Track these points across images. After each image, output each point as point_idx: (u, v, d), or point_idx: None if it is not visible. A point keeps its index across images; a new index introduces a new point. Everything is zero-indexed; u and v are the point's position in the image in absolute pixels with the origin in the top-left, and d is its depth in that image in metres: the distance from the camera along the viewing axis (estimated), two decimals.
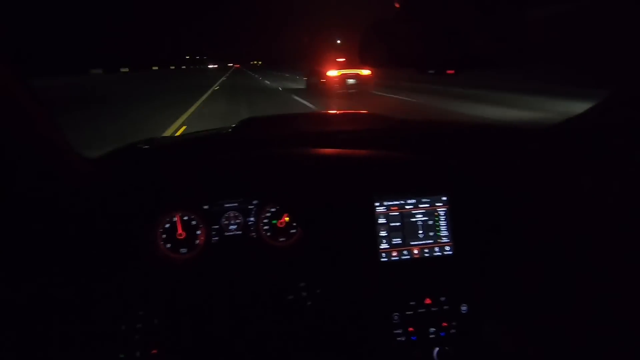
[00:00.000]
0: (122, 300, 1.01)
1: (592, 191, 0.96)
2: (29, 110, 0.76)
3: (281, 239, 1.15)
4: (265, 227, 1.15)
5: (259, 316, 1.06)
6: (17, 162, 0.78)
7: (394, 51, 0.92)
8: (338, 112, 1.77)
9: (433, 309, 1.11)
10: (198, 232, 1.10)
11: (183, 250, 1.09)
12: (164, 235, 1.09)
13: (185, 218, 1.10)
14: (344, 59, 13.68)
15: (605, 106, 0.98)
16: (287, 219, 1.15)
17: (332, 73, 12.78)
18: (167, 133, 7.65)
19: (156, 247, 1.07)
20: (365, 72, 12.89)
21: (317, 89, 13.21)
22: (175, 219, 1.09)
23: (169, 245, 1.09)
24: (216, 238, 1.11)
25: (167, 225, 1.09)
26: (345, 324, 1.07)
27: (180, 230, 1.09)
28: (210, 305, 1.05)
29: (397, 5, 0.85)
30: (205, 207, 1.10)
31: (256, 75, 38.35)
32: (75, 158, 0.92)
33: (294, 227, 1.15)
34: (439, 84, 15.01)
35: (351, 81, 12.77)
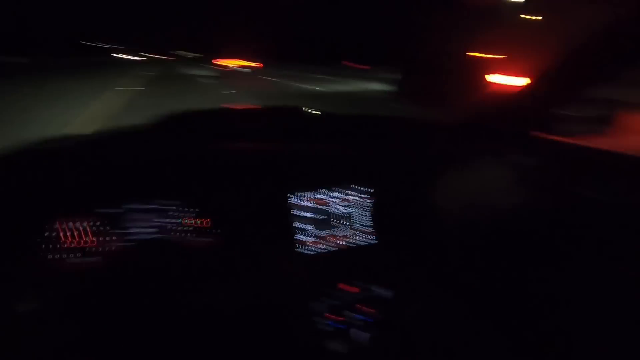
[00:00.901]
0: (6, 319, 0.88)
1: (499, 182, 1.08)
2: None
3: (199, 240, 1.06)
4: (182, 229, 1.05)
5: (176, 321, 0.98)
6: None
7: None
8: (261, 106, 1.67)
9: (358, 295, 1.13)
10: (106, 237, 0.97)
11: (86, 259, 0.96)
12: (59, 245, 0.94)
13: (85, 224, 0.96)
14: (239, 56, 23.32)
15: (506, 100, 1.13)
16: (205, 218, 1.07)
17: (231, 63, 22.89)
18: None
19: (49, 258, 0.93)
20: (256, 65, 22.22)
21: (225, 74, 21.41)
22: (72, 224, 0.95)
23: (67, 255, 0.95)
24: (123, 243, 0.99)
25: (60, 233, 0.95)
26: (266, 319, 1.02)
27: (78, 238, 0.96)
28: (119, 314, 0.95)
29: None
30: (109, 210, 0.98)
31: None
32: None
33: (211, 227, 1.07)
34: (308, 72, 22.76)
35: (246, 70, 22.23)
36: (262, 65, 23.59)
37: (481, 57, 8.27)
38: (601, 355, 0.95)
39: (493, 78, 7.31)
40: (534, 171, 1.16)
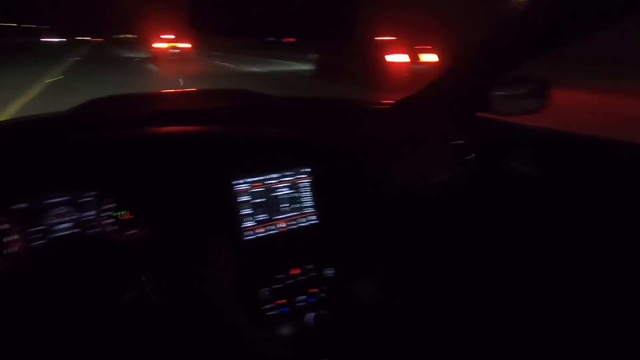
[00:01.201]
0: None
1: (437, 160, 1.16)
2: None
3: (129, 232, 0.98)
4: (107, 221, 0.96)
5: (99, 321, 0.91)
6: None
7: (228, 19, 0.87)
8: (199, 89, 1.58)
9: (301, 277, 1.14)
10: (14, 236, 0.87)
11: None
12: None
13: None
14: (173, 36, 22.16)
15: (440, 82, 1.16)
16: (132, 209, 0.99)
17: (158, 45, 21.95)
18: None
19: None
20: (186, 45, 21.83)
21: (155, 57, 20.87)
22: None
23: None
24: (42, 241, 0.90)
25: None
26: (211, 310, 0.93)
27: None
28: (38, 321, 0.87)
29: None
30: (21, 205, 0.88)
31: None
32: None
33: (141, 218, 0.99)
34: (244, 54, 23.07)
35: (176, 51, 21.57)
36: (191, 46, 23.19)
37: (382, 40, 10.30)
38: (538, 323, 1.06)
39: (389, 57, 9.42)
40: (469, 148, 1.23)
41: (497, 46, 1.08)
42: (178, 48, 21.81)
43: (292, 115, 1.30)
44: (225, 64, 18.59)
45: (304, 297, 1.14)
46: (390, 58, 9.46)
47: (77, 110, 1.13)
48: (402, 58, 9.54)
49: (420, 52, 9.71)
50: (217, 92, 1.52)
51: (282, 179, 1.16)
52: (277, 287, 1.12)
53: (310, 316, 1.12)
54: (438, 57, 9.75)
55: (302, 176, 1.19)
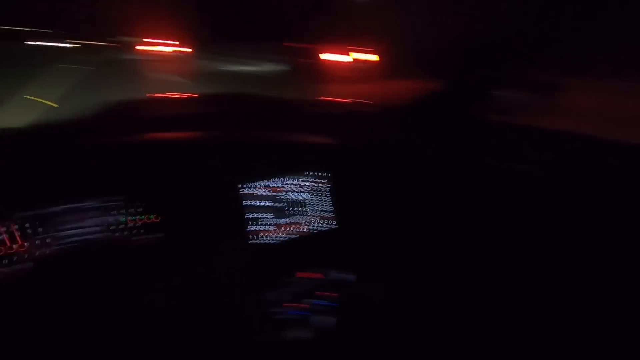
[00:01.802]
0: None
1: (447, 163, 1.13)
2: None
3: (146, 236, 1.02)
4: (123, 225, 1.01)
5: (121, 323, 0.94)
6: None
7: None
8: (214, 93, 1.67)
9: (319, 279, 1.16)
10: (38, 241, 0.92)
11: (14, 266, 0.91)
12: None
13: (10, 228, 0.90)
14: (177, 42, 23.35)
15: (442, 82, 1.16)
16: (148, 214, 1.03)
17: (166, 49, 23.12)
18: None
19: None
20: (186, 49, 22.68)
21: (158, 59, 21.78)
22: (4, 229, 0.90)
23: None
24: (60, 245, 0.94)
25: None
26: (223, 312, 1.01)
27: (8, 243, 0.90)
28: (58, 326, 0.89)
29: None
30: (39, 211, 0.92)
31: None
32: None
33: (156, 221, 1.03)
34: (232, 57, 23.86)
35: (178, 55, 22.87)
36: (191, 50, 23.65)
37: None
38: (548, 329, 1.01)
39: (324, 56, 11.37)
40: (476, 150, 1.19)
41: (502, 44, 1.08)
42: (178, 52, 22.21)
43: (304, 119, 1.33)
44: (214, 63, 19.21)
45: (321, 301, 1.15)
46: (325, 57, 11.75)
47: (95, 115, 1.16)
48: (343, 58, 11.73)
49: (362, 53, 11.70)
50: (228, 96, 1.55)
51: (295, 183, 1.18)
52: (296, 289, 1.13)
53: (324, 321, 1.13)
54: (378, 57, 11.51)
55: (321, 180, 1.20)
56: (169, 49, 22.62)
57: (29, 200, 0.93)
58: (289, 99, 1.62)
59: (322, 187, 1.22)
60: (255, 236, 1.13)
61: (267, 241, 1.15)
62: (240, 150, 1.14)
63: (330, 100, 1.63)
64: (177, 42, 22.84)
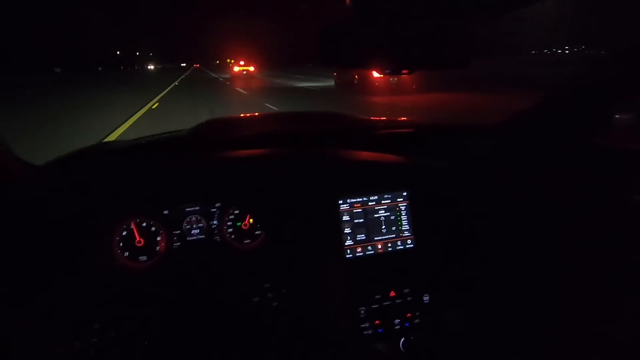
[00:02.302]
0: (76, 313, 0.96)
1: (541, 187, 1.04)
2: None
3: (246, 241, 1.13)
4: (229, 230, 1.12)
5: (226, 320, 1.05)
6: None
7: (350, 52, 0.88)
8: (301, 111, 1.76)
9: (397, 300, 1.14)
10: (158, 238, 1.07)
11: (143, 257, 1.06)
12: (122, 244, 1.05)
13: (144, 224, 1.07)
14: (243, 61, 36.78)
15: (548, 102, 1.03)
16: (251, 220, 1.14)
17: (236, 68, 38.18)
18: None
19: (113, 256, 1.03)
20: (251, 68, 37.40)
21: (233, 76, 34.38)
22: (133, 226, 1.06)
23: (127, 254, 1.05)
24: (178, 243, 1.08)
25: (124, 233, 1.05)
26: (312, 322, 1.06)
27: (138, 238, 1.05)
28: (174, 313, 1.02)
29: (347, 1, 0.83)
30: (165, 212, 1.08)
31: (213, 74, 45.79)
32: (18, 165, 0.86)
33: (258, 229, 1.14)
34: (289, 74, 34.99)
35: (244, 72, 36.92)
36: (255, 69, 34.85)
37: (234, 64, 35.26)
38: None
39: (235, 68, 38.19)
40: (583, 175, 1.05)
41: (625, 64, 0.89)
42: (246, 70, 34.73)
43: (391, 138, 1.30)
44: (277, 80, 28.42)
45: (399, 320, 1.15)
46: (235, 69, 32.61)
47: (197, 130, 1.25)
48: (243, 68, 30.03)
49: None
50: (317, 114, 1.58)
51: (380, 201, 1.18)
52: (374, 307, 1.13)
53: (401, 341, 1.14)
54: (254, 67, 28.87)
55: (400, 199, 1.19)
56: (240, 68, 35.16)
57: (161, 203, 1.08)
58: (378, 119, 1.52)
59: (408, 206, 1.20)
60: (349, 251, 1.15)
61: (355, 256, 1.15)
62: (335, 166, 1.16)
63: (418, 121, 1.50)
64: (245, 62, 35.96)
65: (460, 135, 1.35)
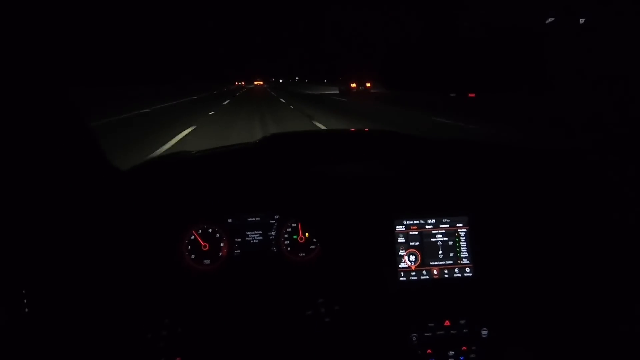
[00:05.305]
0: (149, 308, 1.04)
1: (606, 210, 1.01)
2: (64, 120, 0.89)
3: (301, 254, 1.15)
4: (286, 242, 1.16)
5: (278, 329, 1.07)
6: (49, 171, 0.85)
7: (417, 74, 0.88)
8: (360, 130, 1.68)
9: (452, 331, 1.07)
10: (221, 244, 1.13)
11: (207, 261, 1.12)
12: (189, 247, 1.12)
13: (210, 230, 1.13)
14: (261, 81, 50.02)
15: None
16: (307, 235, 1.16)
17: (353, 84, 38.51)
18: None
19: (181, 257, 1.10)
20: (260, 82, 49.64)
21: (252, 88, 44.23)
22: (200, 231, 1.13)
23: (193, 257, 1.12)
24: (238, 251, 1.14)
25: (192, 237, 1.12)
26: (362, 342, 1.04)
27: (203, 243, 1.12)
28: (231, 316, 1.07)
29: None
30: (229, 220, 1.13)
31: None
32: (107, 170, 0.98)
33: (313, 243, 1.16)
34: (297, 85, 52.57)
35: (259, 85, 46.19)
36: (262, 82, 42.96)
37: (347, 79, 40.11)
38: None
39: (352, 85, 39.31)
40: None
41: None
42: (259, 84, 42.13)
43: (451, 160, 1.25)
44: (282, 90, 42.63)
45: (453, 352, 1.06)
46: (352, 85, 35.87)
47: (263, 144, 1.26)
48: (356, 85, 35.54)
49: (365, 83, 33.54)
50: (374, 133, 1.57)
51: (438, 225, 1.12)
52: (426, 335, 1.06)
53: None
54: (370, 84, 32.22)
55: (459, 224, 1.13)
56: (256, 83, 42.89)
57: (226, 211, 1.14)
58: (440, 139, 1.42)
59: (468, 232, 1.13)
60: (404, 274, 1.09)
61: (409, 279, 1.09)
62: (393, 186, 1.14)
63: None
64: (262, 81, 44.25)
65: (520, 157, 1.29)
